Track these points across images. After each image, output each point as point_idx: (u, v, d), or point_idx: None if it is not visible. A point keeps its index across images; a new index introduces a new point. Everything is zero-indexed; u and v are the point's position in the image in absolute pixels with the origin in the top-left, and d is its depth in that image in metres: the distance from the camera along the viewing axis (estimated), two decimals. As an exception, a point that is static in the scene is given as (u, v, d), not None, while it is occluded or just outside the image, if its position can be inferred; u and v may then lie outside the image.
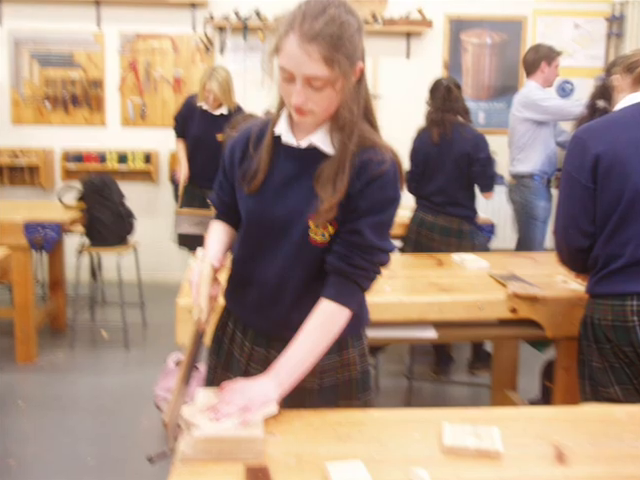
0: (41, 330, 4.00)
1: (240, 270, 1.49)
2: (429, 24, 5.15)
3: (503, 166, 4.45)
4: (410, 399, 3.41)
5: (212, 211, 1.59)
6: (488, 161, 3.41)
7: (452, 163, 3.39)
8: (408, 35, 5.23)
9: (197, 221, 4.07)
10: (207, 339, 1.50)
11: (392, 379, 3.65)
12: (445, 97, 3.40)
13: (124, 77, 5.23)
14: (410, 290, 2.39)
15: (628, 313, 1.77)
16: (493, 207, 4.80)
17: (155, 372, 3.25)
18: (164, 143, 5.17)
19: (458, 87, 3.47)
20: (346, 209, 1.34)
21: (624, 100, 1.96)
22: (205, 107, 4.15)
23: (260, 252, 1.43)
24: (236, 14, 5.07)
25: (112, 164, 5.21)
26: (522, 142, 4.05)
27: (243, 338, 1.50)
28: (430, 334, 2.29)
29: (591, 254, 1.87)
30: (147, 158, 5.24)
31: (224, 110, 4.12)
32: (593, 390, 1.86)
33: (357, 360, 1.48)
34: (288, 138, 1.39)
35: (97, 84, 5.22)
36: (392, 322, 2.24)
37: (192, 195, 4.26)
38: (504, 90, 5.34)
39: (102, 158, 5.21)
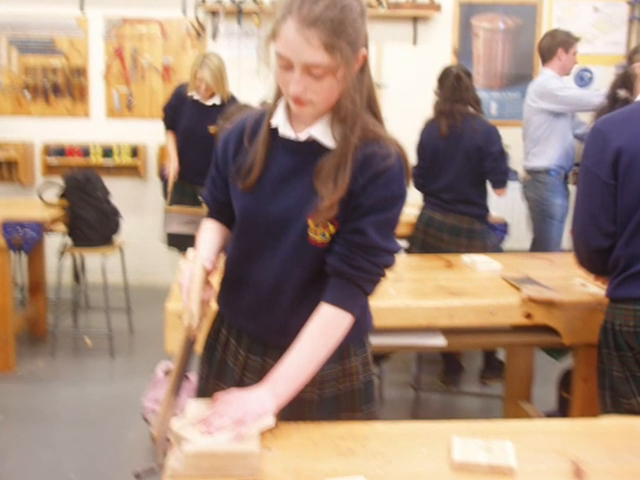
0: (20, 337, 4.00)
1: (234, 272, 1.49)
2: (437, 8, 5.15)
3: (517, 160, 4.45)
4: (417, 411, 3.41)
5: (204, 209, 1.59)
6: (501, 155, 3.41)
7: (462, 157, 3.39)
8: (415, 20, 5.23)
9: (188, 220, 4.07)
10: (198, 347, 1.50)
11: (397, 389, 3.65)
12: (455, 86, 3.40)
13: (109, 65, 5.23)
14: (417, 294, 2.39)
15: (651, 319, 1.78)
16: (506, 205, 4.79)
17: (143, 382, 3.25)
18: (152, 136, 5.17)
19: (469, 75, 3.48)
20: (348, 207, 1.34)
21: (647, 89, 1.96)
22: (196, 97, 4.15)
23: (256, 253, 1.43)
24: (230, -3, 5.07)
25: (96, 158, 5.21)
26: (537, 135, 4.05)
27: (237, 345, 1.50)
28: (438, 341, 2.29)
29: (611, 255, 1.87)
30: (134, 152, 5.24)
31: (217, 100, 4.13)
32: (614, 401, 1.86)
33: (360, 369, 1.48)
34: (286, 130, 1.39)
35: (80, 72, 5.22)
36: (397, 328, 2.24)
37: (182, 192, 4.26)
38: (518, 79, 5.34)
39: (86, 152, 5.21)
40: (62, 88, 5.23)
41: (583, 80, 5.35)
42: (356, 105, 1.32)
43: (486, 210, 3.50)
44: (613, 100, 2.10)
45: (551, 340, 2.32)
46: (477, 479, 1.18)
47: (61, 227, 4.08)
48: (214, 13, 5.15)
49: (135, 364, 3.91)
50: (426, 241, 3.50)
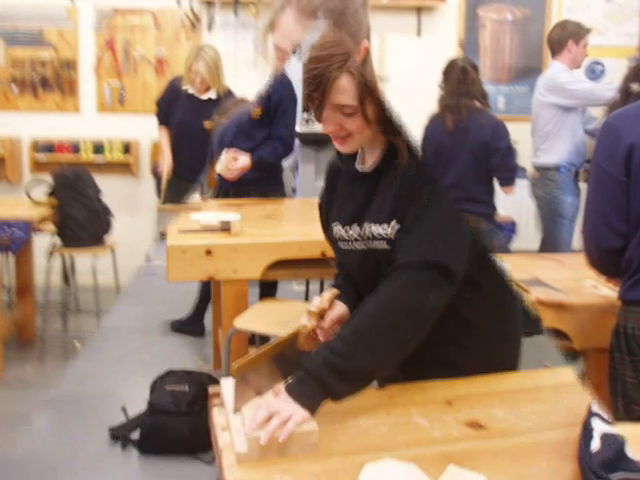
0: (7, 341, 4.00)
1: None
2: (442, -2, 5.16)
3: (525, 157, 4.44)
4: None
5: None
6: (508, 151, 3.41)
7: (468, 154, 3.39)
8: (419, 10, 5.23)
9: (182, 219, 4.07)
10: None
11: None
12: (460, 80, 3.41)
13: (100, 57, 5.23)
14: (421, 296, 2.39)
15: (665, 322, 1.78)
16: (514, 203, 4.80)
17: (135, 388, 3.25)
18: (145, 131, 5.17)
19: (475, 68, 3.48)
20: None
21: (661, 83, 1.96)
22: (191, 91, 4.15)
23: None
24: (226, -13, 5.07)
25: (87, 155, 5.21)
26: (547, 130, 4.05)
27: None
28: (443, 345, 2.29)
29: (624, 256, 1.87)
30: (126, 148, 5.24)
31: (212, 94, 4.13)
32: (626, 408, 1.86)
33: None
34: None
35: (70, 65, 5.22)
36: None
37: (176, 189, 4.25)
38: (526, 72, 5.34)
39: (76, 148, 5.21)
40: (51, 82, 5.22)
41: (594, 73, 5.35)
42: (357, 99, 1.33)
43: (493, 209, 3.50)
44: (626, 94, 2.10)
45: (561, 344, 2.32)
46: None
47: (50, 226, 4.08)
48: (209, 3, 5.15)
49: (127, 369, 3.90)
50: (430, 241, 3.49)
